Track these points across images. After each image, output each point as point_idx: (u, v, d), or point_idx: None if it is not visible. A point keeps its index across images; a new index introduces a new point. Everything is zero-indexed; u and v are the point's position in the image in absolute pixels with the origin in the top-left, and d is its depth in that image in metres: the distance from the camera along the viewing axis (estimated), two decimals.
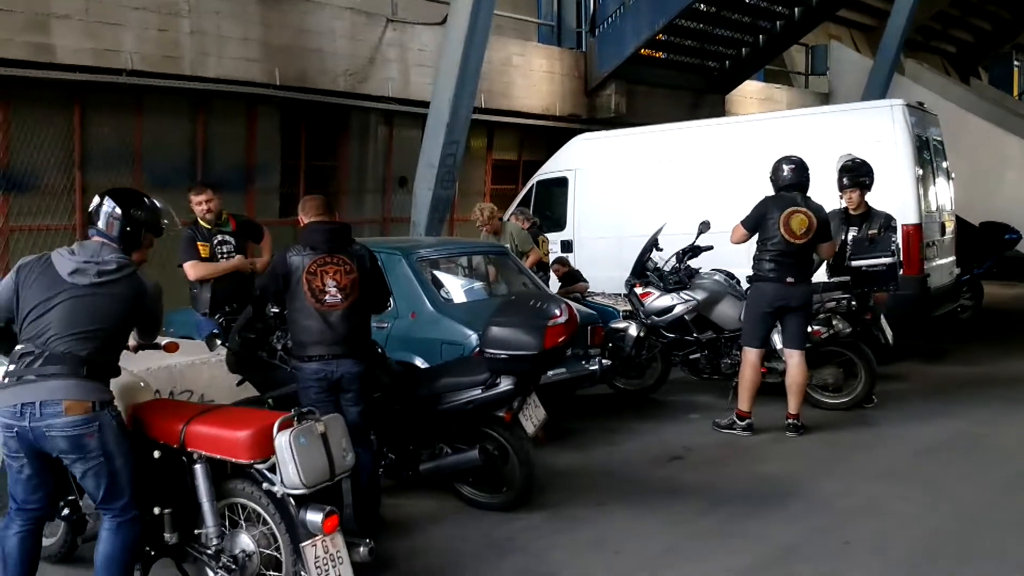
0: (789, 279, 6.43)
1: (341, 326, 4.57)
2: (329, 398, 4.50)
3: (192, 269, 6.14)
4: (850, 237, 7.36)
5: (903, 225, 8.15)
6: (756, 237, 6.57)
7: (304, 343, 4.56)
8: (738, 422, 6.68)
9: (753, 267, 6.62)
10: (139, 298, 3.67)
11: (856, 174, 7.43)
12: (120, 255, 3.66)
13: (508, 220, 9.17)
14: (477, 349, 5.40)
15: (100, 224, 3.73)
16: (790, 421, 6.62)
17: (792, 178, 6.52)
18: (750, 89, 17.66)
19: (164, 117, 9.87)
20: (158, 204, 3.88)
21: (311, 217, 4.76)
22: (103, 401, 3.50)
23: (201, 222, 6.25)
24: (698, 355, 7.68)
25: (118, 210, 3.73)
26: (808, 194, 6.53)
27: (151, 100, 9.65)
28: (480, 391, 4.97)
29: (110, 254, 3.64)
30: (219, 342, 4.97)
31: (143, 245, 3.81)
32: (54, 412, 3.38)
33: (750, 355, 6.66)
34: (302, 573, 3.57)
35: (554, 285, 8.53)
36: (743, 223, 6.62)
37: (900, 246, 7.47)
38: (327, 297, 4.52)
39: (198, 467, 3.79)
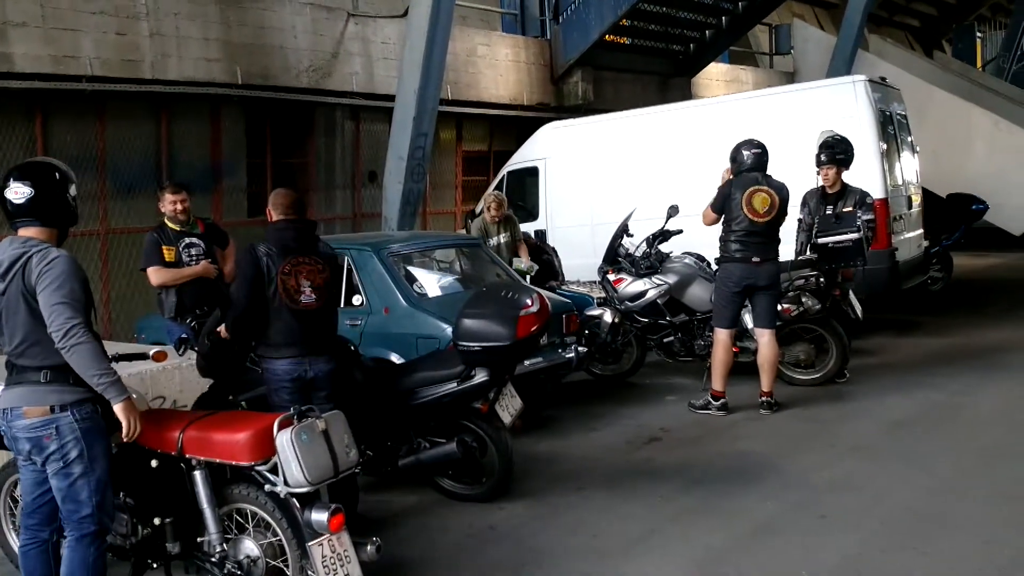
0: (755, 258, 6.48)
1: (315, 326, 4.56)
2: (301, 398, 4.45)
3: (155, 275, 6.08)
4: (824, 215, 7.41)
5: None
6: (722, 219, 6.62)
7: (278, 343, 4.52)
8: (713, 402, 6.74)
9: (720, 248, 6.67)
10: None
11: (834, 151, 7.46)
12: (20, 245, 3.39)
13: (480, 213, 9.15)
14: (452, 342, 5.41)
15: (24, 209, 3.42)
16: (764, 399, 6.68)
17: (752, 162, 6.56)
18: (716, 71, 17.70)
19: (127, 121, 9.75)
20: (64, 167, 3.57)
21: (280, 214, 4.65)
22: (63, 403, 3.42)
23: (169, 223, 6.18)
24: (672, 338, 7.74)
25: (52, 190, 3.45)
26: (768, 173, 6.58)
27: (113, 104, 9.52)
28: (455, 384, 5.00)
29: (12, 248, 3.39)
30: (189, 346, 4.94)
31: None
32: (16, 416, 3.44)
33: (721, 335, 6.71)
34: (310, 573, 3.56)
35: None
36: (711, 206, 6.68)
37: (875, 222, 7.50)
38: (302, 297, 4.48)
39: (197, 473, 3.77)
